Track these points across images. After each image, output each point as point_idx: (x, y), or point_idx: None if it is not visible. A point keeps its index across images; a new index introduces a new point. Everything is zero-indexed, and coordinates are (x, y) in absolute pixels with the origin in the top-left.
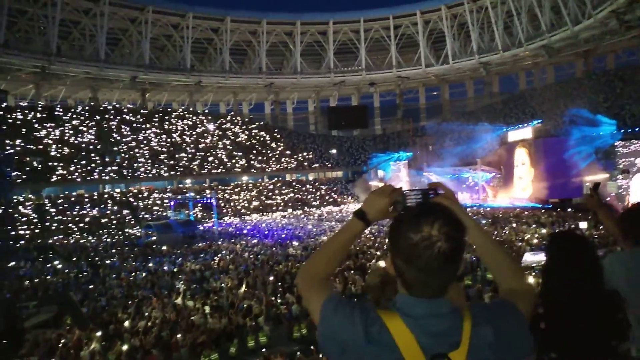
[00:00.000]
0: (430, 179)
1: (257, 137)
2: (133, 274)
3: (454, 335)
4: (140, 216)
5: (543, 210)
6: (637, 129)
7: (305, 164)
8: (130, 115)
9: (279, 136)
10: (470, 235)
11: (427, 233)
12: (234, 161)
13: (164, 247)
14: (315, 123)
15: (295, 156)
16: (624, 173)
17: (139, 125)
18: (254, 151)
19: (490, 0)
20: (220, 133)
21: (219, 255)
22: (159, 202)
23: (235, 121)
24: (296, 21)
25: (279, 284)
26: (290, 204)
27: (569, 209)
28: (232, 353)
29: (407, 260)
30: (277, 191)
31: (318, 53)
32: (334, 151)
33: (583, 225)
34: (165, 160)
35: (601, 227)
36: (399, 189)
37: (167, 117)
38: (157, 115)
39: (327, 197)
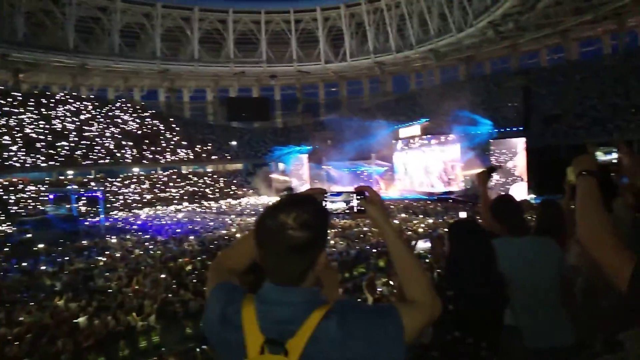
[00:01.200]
0: (329, 172)
1: (150, 126)
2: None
3: (293, 324)
4: (13, 211)
5: (429, 202)
6: (508, 129)
7: (203, 155)
8: (0, 97)
9: (174, 126)
10: (387, 241)
11: (283, 220)
12: (123, 151)
13: (41, 245)
14: (214, 113)
15: (193, 147)
16: (497, 168)
17: (10, 109)
18: (147, 141)
19: (386, 3)
20: (107, 121)
21: (107, 252)
22: (34, 195)
23: (125, 108)
24: (194, 7)
25: (174, 280)
26: (186, 197)
27: (450, 200)
28: (122, 355)
29: (261, 245)
30: (172, 184)
31: (217, 42)
32: (233, 143)
33: (462, 214)
34: (43, 150)
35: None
36: (324, 190)
37: (45, 102)
38: (33, 99)
39: (226, 190)
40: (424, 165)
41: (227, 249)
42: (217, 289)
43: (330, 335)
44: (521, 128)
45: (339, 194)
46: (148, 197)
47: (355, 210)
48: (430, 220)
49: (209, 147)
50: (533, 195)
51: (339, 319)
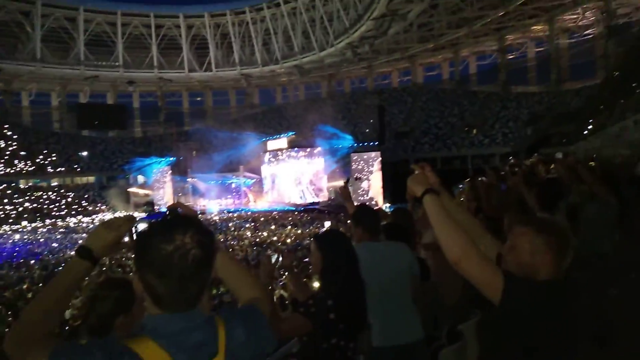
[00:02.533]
0: (195, 185)
1: None
2: None
3: (211, 344)
4: None
5: (296, 213)
6: (365, 144)
7: (47, 167)
8: None
9: (10, 133)
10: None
11: (181, 241)
12: None
13: None
14: (60, 120)
15: (33, 158)
16: (356, 179)
17: None
18: None
19: (251, 17)
20: None
21: None
22: None
23: None
24: (36, 0)
25: (9, 312)
26: (25, 215)
27: (316, 211)
28: None
29: (160, 274)
30: (6, 200)
31: (65, 41)
32: (84, 153)
33: (327, 224)
34: None
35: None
36: (133, 218)
37: None
38: None
39: (75, 206)
40: (291, 177)
41: (29, 312)
42: (60, 356)
43: (240, 340)
44: (376, 143)
45: (150, 216)
46: None
47: None
48: (299, 231)
49: (54, 158)
50: (387, 204)
51: (237, 325)
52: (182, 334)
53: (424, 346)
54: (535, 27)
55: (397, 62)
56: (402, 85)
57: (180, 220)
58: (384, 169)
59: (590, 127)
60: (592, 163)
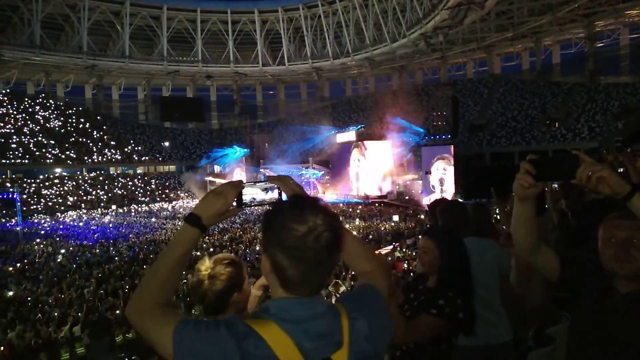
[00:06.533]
0: (267, 175)
1: (75, 125)
2: None
3: (336, 335)
4: None
5: (361, 206)
6: (437, 137)
7: (134, 156)
8: None
9: (102, 125)
10: None
11: (313, 223)
12: (44, 150)
13: None
14: (145, 113)
15: (122, 147)
16: (427, 174)
17: None
18: (71, 140)
19: (323, 10)
20: (26, 117)
21: (26, 259)
22: None
23: (47, 104)
24: (125, 1)
25: (102, 287)
26: (114, 200)
27: (383, 204)
28: None
29: (292, 255)
30: (99, 186)
31: (150, 38)
32: (166, 144)
33: (395, 218)
34: None
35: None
36: (240, 183)
37: None
38: None
39: (158, 193)
40: (363, 170)
41: (146, 282)
42: (188, 327)
43: (363, 332)
44: (449, 136)
45: (256, 182)
46: (72, 199)
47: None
48: (365, 224)
49: (140, 148)
50: (460, 200)
51: (360, 316)
52: (308, 321)
53: (511, 348)
54: (629, 12)
55: (473, 52)
56: (478, 76)
57: (310, 201)
58: (457, 163)
59: None
60: None
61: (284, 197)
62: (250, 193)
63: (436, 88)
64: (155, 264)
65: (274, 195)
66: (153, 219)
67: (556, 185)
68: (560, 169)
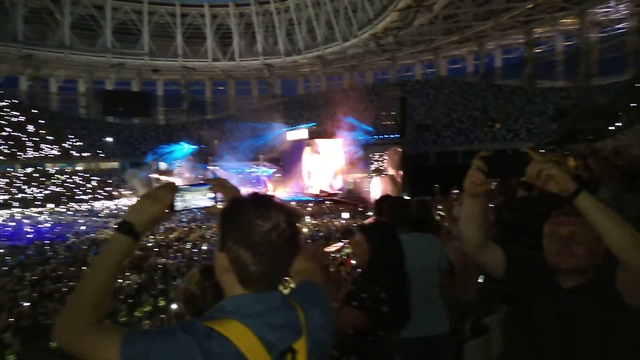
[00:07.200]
0: (215, 173)
1: (8, 118)
2: None
3: (295, 325)
4: None
5: (311, 204)
6: (386, 136)
7: (73, 152)
8: None
9: (38, 118)
10: None
11: (276, 219)
12: None
13: None
14: (87, 107)
15: (60, 143)
16: (376, 172)
17: None
18: (3, 134)
19: (275, 7)
20: None
21: None
22: None
23: None
24: None
25: (37, 290)
26: (51, 199)
27: (333, 202)
28: None
29: (256, 251)
30: (34, 183)
31: (92, 29)
32: (109, 139)
33: (345, 215)
34: None
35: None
36: (174, 186)
37: None
38: None
39: (99, 191)
40: (314, 167)
41: (76, 300)
42: (137, 338)
43: (317, 322)
44: (397, 135)
45: (192, 185)
46: (3, 197)
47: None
48: (315, 221)
49: (80, 143)
50: (407, 197)
51: (312, 307)
52: (269, 314)
53: (449, 338)
54: (565, 20)
55: (421, 54)
56: (425, 77)
57: (272, 198)
58: (405, 161)
59: (618, 124)
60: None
61: (219, 199)
62: (188, 197)
63: (385, 88)
64: (85, 278)
65: (210, 197)
66: (94, 218)
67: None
68: (510, 167)
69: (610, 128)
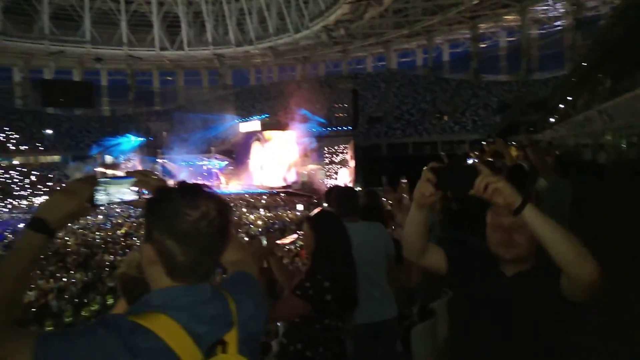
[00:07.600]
0: (165, 166)
1: None
2: None
3: (227, 316)
4: None
5: (265, 196)
6: (339, 128)
7: (9, 145)
8: None
9: None
10: None
11: (206, 208)
12: None
13: None
14: (23, 97)
15: None
16: (331, 164)
17: None
18: None
19: None
20: None
21: None
22: None
23: None
24: None
25: None
26: None
27: (287, 194)
28: None
29: (184, 241)
30: None
31: (28, 14)
32: (49, 131)
33: (300, 207)
34: None
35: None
36: (94, 180)
37: None
38: None
39: (39, 186)
40: (267, 160)
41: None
42: (53, 339)
43: (249, 312)
44: (350, 127)
45: (114, 178)
46: None
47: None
48: (270, 214)
49: (17, 136)
50: (359, 188)
51: (244, 298)
52: (199, 306)
53: (397, 323)
54: (507, 17)
55: (372, 47)
56: (377, 70)
57: (202, 187)
58: (357, 153)
59: (556, 116)
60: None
61: (145, 192)
62: (113, 191)
63: (338, 80)
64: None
65: (135, 189)
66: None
67: None
68: (460, 180)
69: (550, 120)
